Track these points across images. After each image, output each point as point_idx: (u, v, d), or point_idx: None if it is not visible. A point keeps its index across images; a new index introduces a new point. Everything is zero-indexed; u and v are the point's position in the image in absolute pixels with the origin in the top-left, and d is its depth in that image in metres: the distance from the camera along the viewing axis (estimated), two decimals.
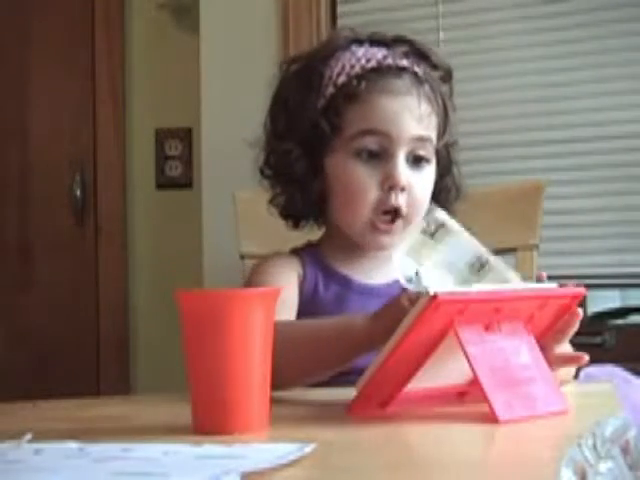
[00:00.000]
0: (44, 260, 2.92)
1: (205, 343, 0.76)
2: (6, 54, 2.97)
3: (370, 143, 1.11)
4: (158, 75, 2.89)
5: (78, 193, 2.90)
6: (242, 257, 1.57)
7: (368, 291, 1.16)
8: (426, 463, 0.64)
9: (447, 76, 1.19)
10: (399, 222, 1.12)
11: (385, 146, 1.11)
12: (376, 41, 1.17)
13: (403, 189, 1.11)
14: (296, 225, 1.22)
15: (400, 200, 1.11)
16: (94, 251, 2.90)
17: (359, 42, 1.16)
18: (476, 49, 2.37)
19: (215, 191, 2.47)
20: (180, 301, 0.78)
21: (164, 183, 2.89)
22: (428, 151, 1.14)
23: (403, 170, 1.11)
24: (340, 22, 2.46)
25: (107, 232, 2.89)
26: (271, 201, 1.21)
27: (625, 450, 0.62)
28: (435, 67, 1.17)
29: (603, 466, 0.57)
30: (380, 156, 1.11)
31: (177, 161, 2.87)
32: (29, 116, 2.96)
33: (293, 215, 1.21)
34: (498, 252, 1.49)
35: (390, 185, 1.10)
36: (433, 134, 1.15)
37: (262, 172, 1.21)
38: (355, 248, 1.19)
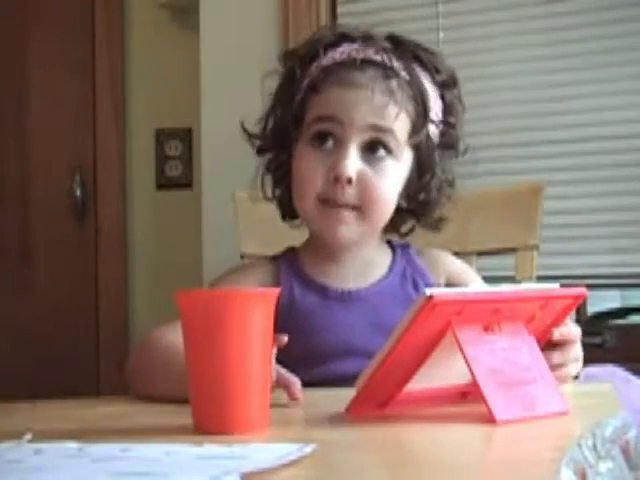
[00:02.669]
0: (44, 260, 2.92)
1: (205, 343, 0.76)
2: (6, 54, 2.97)
3: (322, 129, 1.10)
4: (158, 75, 2.89)
5: (78, 193, 2.90)
6: (242, 257, 1.57)
7: (347, 297, 1.14)
8: (426, 463, 0.64)
9: (451, 83, 1.17)
10: (350, 212, 1.10)
11: (338, 134, 1.09)
12: (369, 39, 1.15)
13: (350, 181, 1.08)
14: (283, 217, 1.22)
15: (347, 194, 1.08)
16: (94, 251, 2.90)
17: (351, 39, 1.15)
18: (476, 49, 2.37)
19: (215, 191, 2.47)
20: (180, 302, 0.78)
21: (164, 183, 2.89)
22: (388, 142, 1.10)
23: (351, 161, 1.08)
24: (340, 22, 2.46)
25: (107, 232, 2.90)
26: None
27: (625, 450, 0.62)
28: (426, 67, 1.15)
29: (603, 466, 0.57)
30: (333, 145, 1.10)
31: (177, 161, 2.88)
32: (29, 116, 2.96)
33: (280, 207, 1.22)
34: (498, 252, 1.51)
35: (335, 176, 1.08)
36: (397, 127, 1.10)
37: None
38: (331, 253, 1.17)
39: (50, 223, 2.92)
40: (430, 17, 2.40)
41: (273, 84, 1.20)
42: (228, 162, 2.42)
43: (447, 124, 1.18)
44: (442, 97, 1.17)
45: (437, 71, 1.16)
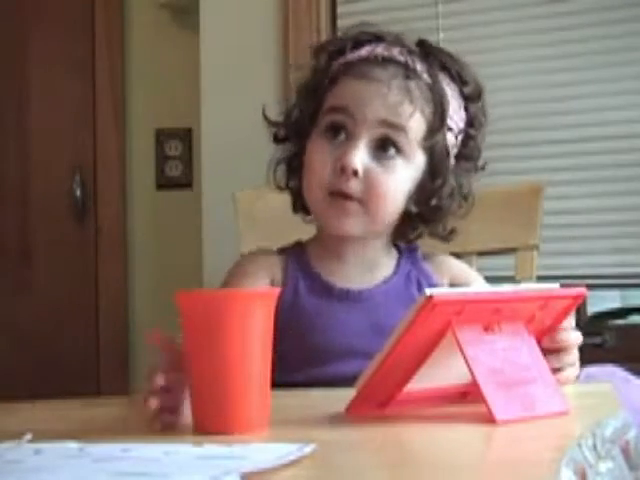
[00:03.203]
0: (44, 260, 2.92)
1: (205, 343, 0.76)
2: (6, 54, 2.97)
3: (334, 120, 1.11)
4: (158, 75, 2.89)
5: (78, 193, 2.90)
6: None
7: (350, 297, 1.14)
8: (425, 463, 0.64)
9: (475, 96, 1.17)
10: (355, 205, 1.09)
11: (350, 128, 1.10)
12: (397, 39, 1.16)
13: (355, 173, 1.08)
14: (294, 209, 1.22)
15: (352, 186, 1.08)
16: (94, 251, 2.90)
17: (380, 39, 1.16)
18: (476, 49, 2.37)
19: (215, 191, 2.47)
20: (180, 302, 0.78)
21: (164, 183, 2.89)
22: (400, 141, 1.10)
23: (358, 154, 1.08)
24: (340, 23, 2.46)
25: (107, 232, 2.90)
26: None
27: (625, 450, 0.62)
28: (452, 77, 1.15)
29: (603, 466, 0.57)
30: (345, 137, 1.10)
31: (177, 161, 2.88)
32: (29, 116, 2.96)
33: (293, 199, 1.21)
34: (498, 252, 1.51)
35: (341, 166, 1.08)
36: (410, 126, 1.10)
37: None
38: (339, 252, 1.17)
39: (50, 223, 2.92)
40: (430, 17, 2.40)
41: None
42: (228, 162, 2.42)
43: (468, 136, 1.17)
44: (466, 109, 1.17)
45: (463, 82, 1.16)
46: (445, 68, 1.16)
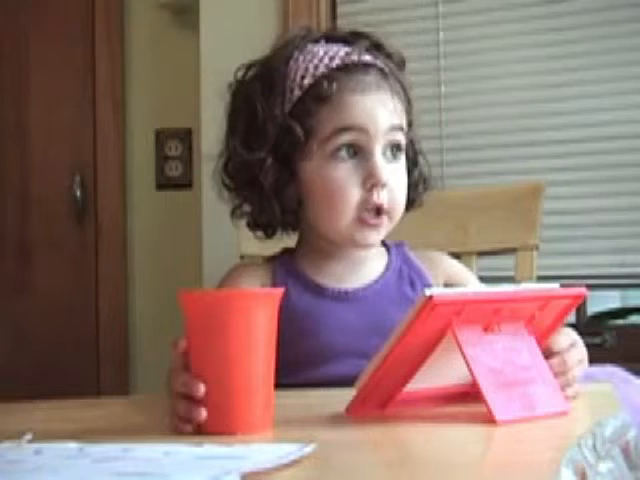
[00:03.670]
0: (44, 260, 2.92)
1: (208, 343, 0.76)
2: (6, 54, 2.97)
3: (347, 140, 1.09)
4: (158, 75, 2.89)
5: (78, 193, 2.90)
6: (242, 257, 1.57)
7: (342, 296, 1.13)
8: (425, 463, 0.64)
9: (401, 65, 1.18)
10: (384, 217, 1.10)
11: (362, 143, 1.09)
12: (332, 38, 1.16)
13: (384, 185, 1.09)
14: (269, 235, 1.19)
15: (382, 197, 1.09)
16: (94, 251, 2.90)
17: (314, 41, 1.15)
18: (476, 49, 2.37)
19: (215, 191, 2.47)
20: (183, 302, 0.78)
21: (164, 183, 2.89)
22: (401, 140, 1.13)
23: (383, 166, 1.09)
24: (340, 22, 2.46)
25: (107, 232, 2.89)
26: (234, 212, 1.19)
27: (625, 450, 0.62)
28: (389, 56, 1.16)
29: (603, 466, 0.57)
30: (357, 154, 1.09)
31: (177, 161, 2.87)
32: (29, 116, 2.96)
33: (266, 225, 1.18)
34: (498, 252, 1.51)
35: (372, 183, 1.08)
36: (404, 123, 1.14)
37: (223, 182, 1.18)
38: (328, 252, 1.16)
39: (50, 223, 2.92)
40: (430, 17, 2.40)
41: None
42: None
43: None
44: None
45: (388, 55, 1.17)
46: (378, 47, 1.16)
